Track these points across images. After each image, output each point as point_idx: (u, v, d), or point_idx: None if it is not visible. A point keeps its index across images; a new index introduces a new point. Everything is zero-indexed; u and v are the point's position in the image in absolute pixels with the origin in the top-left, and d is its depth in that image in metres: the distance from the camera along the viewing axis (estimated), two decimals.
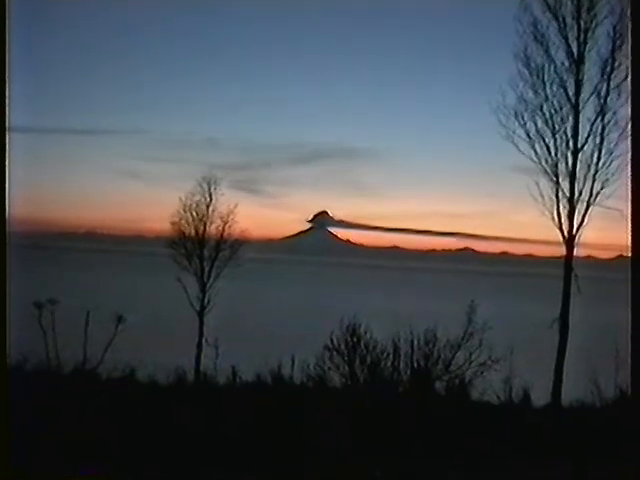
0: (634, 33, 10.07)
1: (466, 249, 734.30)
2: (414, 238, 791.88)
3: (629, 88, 10.00)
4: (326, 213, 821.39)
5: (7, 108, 10.24)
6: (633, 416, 10.95)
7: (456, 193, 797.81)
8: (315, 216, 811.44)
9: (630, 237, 9.98)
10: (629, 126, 25.16)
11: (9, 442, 10.74)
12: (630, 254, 10.10)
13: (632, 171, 10.05)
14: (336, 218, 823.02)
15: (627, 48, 25.34)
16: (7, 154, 10.30)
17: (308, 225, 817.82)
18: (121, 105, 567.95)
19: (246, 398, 25.47)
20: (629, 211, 10.05)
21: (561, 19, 25.57)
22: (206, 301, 40.88)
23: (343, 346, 24.39)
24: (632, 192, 10.01)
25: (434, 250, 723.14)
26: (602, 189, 25.49)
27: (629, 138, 25.20)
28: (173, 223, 41.70)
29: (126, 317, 31.64)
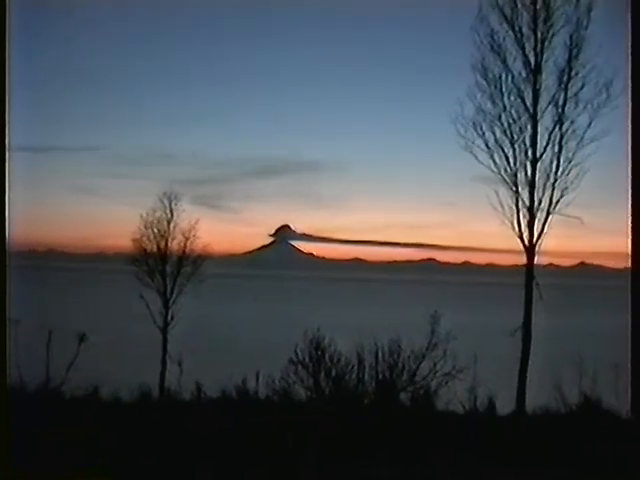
0: (634, 33, 10.11)
1: (428, 259, 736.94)
2: (376, 250, 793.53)
3: (629, 94, 10.01)
4: (288, 227, 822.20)
5: (7, 129, 10.17)
6: (633, 430, 11.05)
7: (417, 204, 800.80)
8: (277, 230, 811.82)
9: (630, 248, 10.03)
10: (586, 134, 25.57)
11: (9, 443, 10.65)
12: (630, 265, 10.14)
13: (632, 173, 10.08)
14: (298, 231, 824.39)
15: (583, 57, 25.63)
16: (7, 177, 10.19)
17: (270, 239, 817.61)
18: (78, 122, 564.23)
19: (211, 413, 25.39)
20: (629, 221, 10.11)
21: (518, 30, 25.74)
22: (169, 317, 40.78)
23: (308, 359, 24.39)
24: (632, 200, 10.05)
25: (396, 261, 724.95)
26: (561, 197, 25.67)
27: (588, 146, 25.65)
28: (134, 240, 41.61)
29: (89, 335, 31.47)
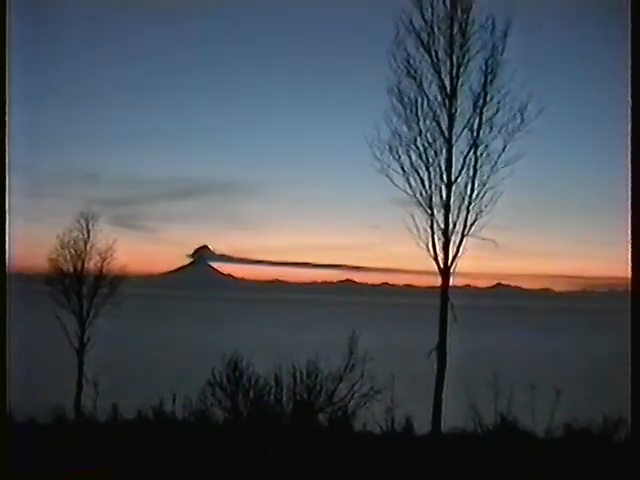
0: (634, 33, 10.20)
1: (347, 281, 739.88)
2: (295, 271, 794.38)
3: (629, 92, 10.09)
4: (207, 247, 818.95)
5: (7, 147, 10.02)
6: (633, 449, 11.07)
7: (336, 225, 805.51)
8: (196, 250, 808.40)
9: (630, 269, 10.12)
10: (500, 158, 25.96)
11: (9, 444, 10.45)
12: (630, 287, 10.23)
13: (632, 178, 10.18)
14: (217, 252, 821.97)
15: (498, 82, 26.02)
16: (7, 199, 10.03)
17: (189, 260, 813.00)
18: None
19: (127, 435, 25.17)
20: (629, 235, 10.19)
21: (434, 54, 26.01)
22: (85, 339, 40.38)
23: (225, 381, 24.30)
24: (632, 221, 10.13)
25: (315, 282, 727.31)
26: (476, 220, 25.90)
27: (502, 170, 26.02)
28: (51, 260, 41.17)
29: None
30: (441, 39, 26.00)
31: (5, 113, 10.14)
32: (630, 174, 10.08)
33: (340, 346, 25.03)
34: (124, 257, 43.19)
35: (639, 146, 10.12)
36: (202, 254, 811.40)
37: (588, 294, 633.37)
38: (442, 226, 25.77)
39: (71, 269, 41.01)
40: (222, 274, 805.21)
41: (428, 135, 25.97)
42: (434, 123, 25.93)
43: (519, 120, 25.55)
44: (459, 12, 25.81)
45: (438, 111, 25.95)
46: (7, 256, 10.43)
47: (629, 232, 10.11)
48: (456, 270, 26.10)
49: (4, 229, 10.35)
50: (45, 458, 21.27)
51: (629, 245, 10.10)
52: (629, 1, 10.35)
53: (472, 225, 25.82)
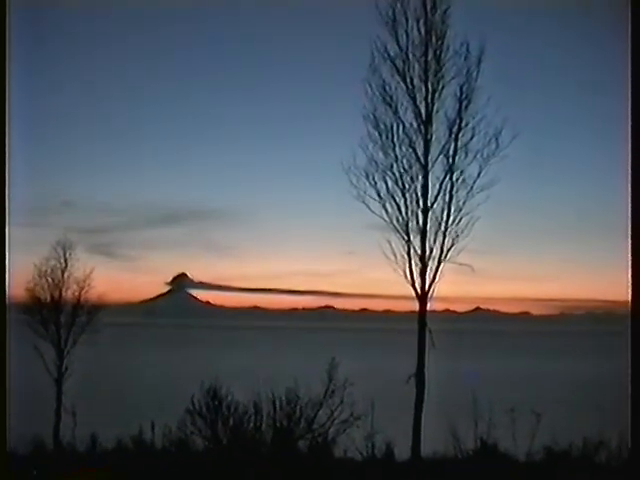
0: (634, 33, 10.28)
1: (327, 307, 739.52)
2: (275, 298, 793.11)
3: (629, 92, 10.14)
4: (185, 275, 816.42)
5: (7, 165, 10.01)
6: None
7: (315, 252, 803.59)
8: (174, 278, 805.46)
9: (630, 291, 10.17)
10: (476, 183, 26.08)
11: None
12: (630, 308, 10.29)
13: (632, 186, 10.22)
14: (195, 280, 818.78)
15: (473, 107, 26.17)
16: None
17: (167, 287, 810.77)
18: None
19: (107, 464, 25.06)
20: (629, 246, 10.24)
21: (409, 81, 26.11)
22: (64, 368, 40.18)
23: (205, 409, 24.25)
24: (632, 239, 10.17)
25: (295, 309, 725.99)
26: (452, 245, 25.92)
27: (477, 195, 26.13)
28: (28, 289, 40.99)
29: None
30: (416, 66, 26.12)
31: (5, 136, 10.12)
32: (630, 199, 10.17)
33: (320, 372, 25.03)
34: (102, 285, 43.11)
35: (638, 171, 10.22)
36: (181, 282, 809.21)
37: (566, 317, 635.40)
38: (419, 252, 25.81)
39: (49, 298, 40.85)
40: (201, 301, 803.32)
41: (404, 161, 26.03)
42: (410, 149, 26.00)
43: (494, 145, 25.69)
44: (434, 39, 25.96)
45: (414, 137, 26.02)
46: (7, 287, 10.36)
47: (629, 254, 10.21)
48: (434, 295, 26.10)
49: (4, 259, 10.31)
50: None
51: (629, 266, 10.19)
52: (629, 2, 10.45)
53: (449, 250, 25.85)
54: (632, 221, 10.32)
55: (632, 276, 10.34)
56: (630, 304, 10.38)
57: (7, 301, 10.25)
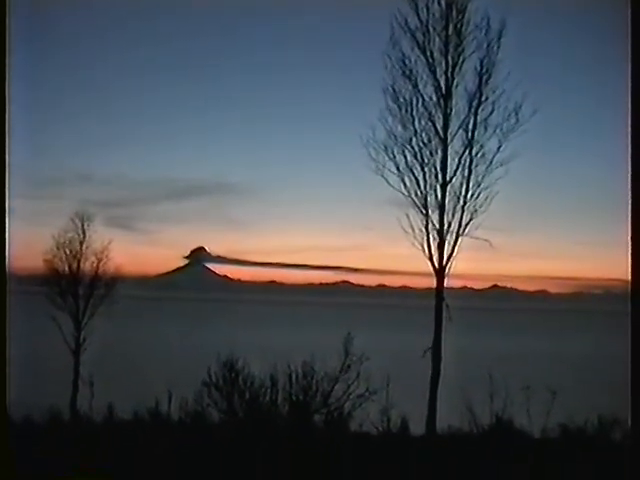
0: (634, 33, 10.17)
1: (343, 282, 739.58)
2: (291, 272, 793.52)
3: (629, 91, 10.05)
4: (203, 249, 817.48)
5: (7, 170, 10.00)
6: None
7: (332, 227, 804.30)
8: (192, 252, 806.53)
9: (630, 269, 10.07)
10: (495, 158, 25.96)
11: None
12: (630, 287, 10.18)
13: (632, 184, 10.13)
14: (213, 254, 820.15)
15: (494, 82, 26.01)
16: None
17: (185, 261, 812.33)
18: None
19: (123, 435, 25.15)
20: (629, 235, 10.14)
21: (429, 55, 25.98)
22: (81, 339, 40.34)
23: (221, 382, 24.28)
24: (632, 225, 10.08)
25: (312, 284, 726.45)
26: (471, 220, 25.85)
27: (496, 170, 26.02)
28: (46, 261, 41.11)
29: None
30: (436, 39, 25.98)
31: (5, 119, 10.10)
32: (630, 176, 10.05)
33: (336, 347, 25.01)
34: (119, 258, 43.17)
35: (639, 147, 10.10)
36: (198, 255, 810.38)
37: (584, 296, 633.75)
38: (437, 226, 25.75)
39: (67, 270, 40.96)
40: (218, 275, 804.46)
41: (423, 135, 25.95)
42: (429, 123, 25.90)
43: (514, 120, 25.55)
44: (454, 12, 25.81)
45: (433, 111, 25.92)
46: (7, 259, 10.35)
47: (629, 233, 10.08)
48: (452, 271, 26.04)
49: (4, 231, 10.29)
50: (41, 457, 21.25)
51: (629, 246, 10.07)
52: (629, 1, 10.33)
53: (467, 225, 25.80)
54: None
55: (632, 254, 10.23)
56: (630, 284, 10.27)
57: (7, 266, 10.22)
